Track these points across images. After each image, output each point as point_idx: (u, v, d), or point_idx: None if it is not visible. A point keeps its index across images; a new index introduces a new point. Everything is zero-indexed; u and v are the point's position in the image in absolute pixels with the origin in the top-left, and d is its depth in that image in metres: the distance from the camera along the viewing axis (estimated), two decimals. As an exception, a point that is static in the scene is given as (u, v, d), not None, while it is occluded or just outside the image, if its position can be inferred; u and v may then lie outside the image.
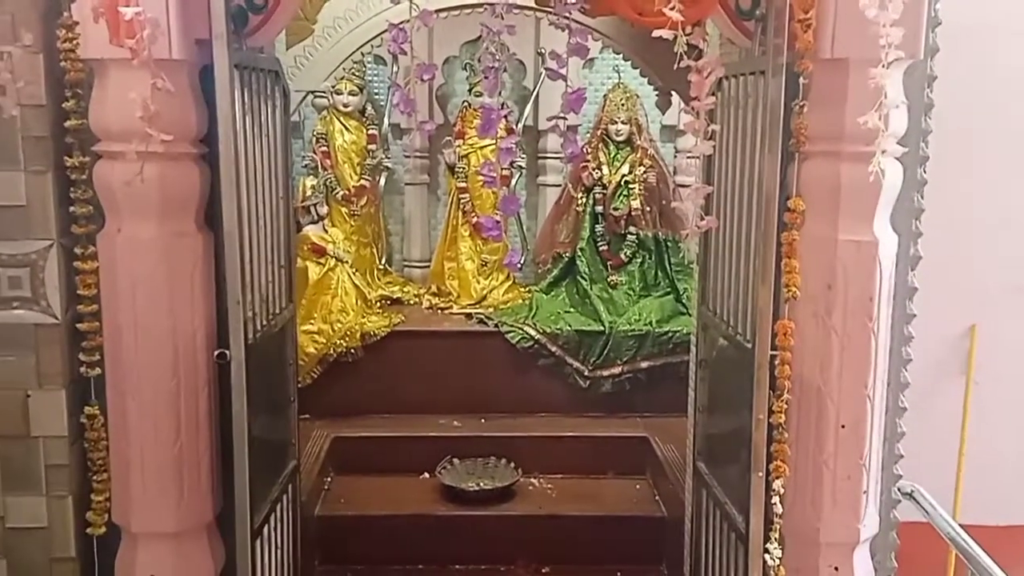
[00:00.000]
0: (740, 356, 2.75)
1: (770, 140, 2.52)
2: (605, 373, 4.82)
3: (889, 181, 2.52)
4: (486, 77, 2.35)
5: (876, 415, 2.64)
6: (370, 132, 5.37)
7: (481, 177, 4.78)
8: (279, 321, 3.14)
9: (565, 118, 2.33)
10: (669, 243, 5.24)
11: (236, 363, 2.65)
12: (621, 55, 4.28)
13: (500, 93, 5.28)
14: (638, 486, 4.50)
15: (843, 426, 2.61)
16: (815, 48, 2.44)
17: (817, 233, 2.58)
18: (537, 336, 4.83)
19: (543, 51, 5.28)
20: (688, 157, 5.47)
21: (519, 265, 2.78)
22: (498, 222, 2.40)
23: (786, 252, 2.57)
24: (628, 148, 5.27)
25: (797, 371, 2.61)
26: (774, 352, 2.60)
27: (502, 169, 5.08)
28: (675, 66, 2.27)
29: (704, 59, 2.34)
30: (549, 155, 5.60)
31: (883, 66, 2.18)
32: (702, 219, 2.48)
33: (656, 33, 2.23)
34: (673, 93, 4.26)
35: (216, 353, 2.70)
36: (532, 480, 4.49)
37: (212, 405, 2.76)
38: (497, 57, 2.28)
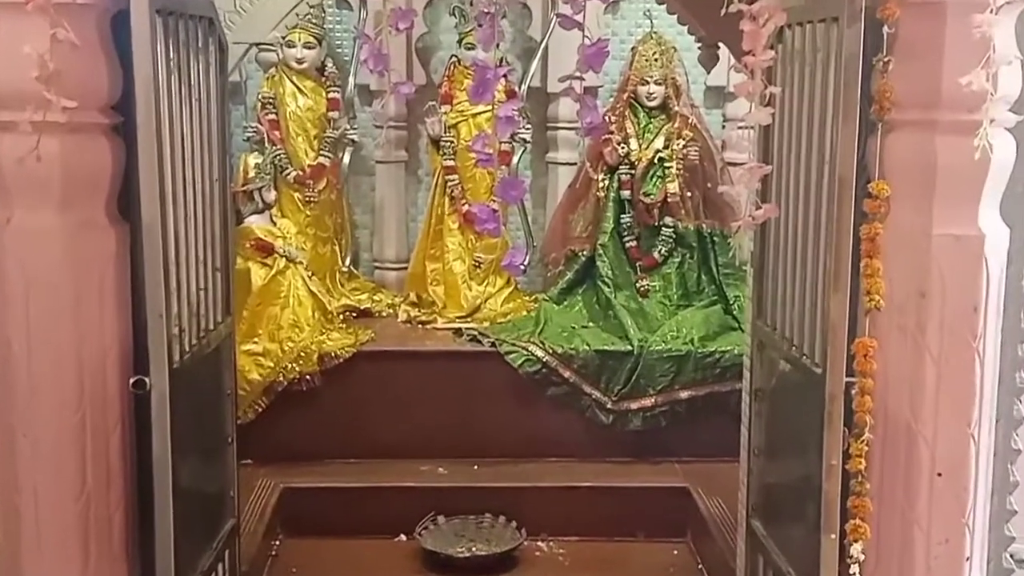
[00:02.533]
0: (807, 384, 2.75)
1: (845, 106, 2.52)
2: (634, 406, 4.82)
3: (998, 159, 2.52)
4: (480, 25, 2.36)
5: (982, 460, 2.64)
6: (331, 96, 5.38)
7: (473, 154, 4.78)
8: (213, 339, 3.14)
9: (582, 78, 2.34)
10: (716, 238, 5.25)
11: (158, 393, 2.66)
12: (654, -3, 4.31)
13: (498, 46, 5.24)
14: (676, 551, 4.50)
15: (939, 474, 2.61)
16: (903, -13, 2.45)
17: (906, 226, 2.58)
18: (546, 358, 4.83)
19: (553, -9, 5.29)
20: (739, 127, 5.47)
21: (522, 267, 2.77)
22: (495, 212, 2.41)
23: (866, 250, 2.57)
24: (663, 116, 5.29)
25: (880, 403, 2.61)
26: (851, 379, 2.60)
27: (500, 143, 5.17)
28: (723, 11, 2.28)
29: (761, 2, 2.35)
30: (562, 125, 5.61)
31: (991, 11, 2.19)
32: (757, 208, 2.49)
33: (698, -30, 2.24)
34: (721, 46, 4.26)
35: (132, 381, 2.70)
36: (539, 544, 4.50)
37: (127, 447, 2.76)
38: (495, 0, 2.29)
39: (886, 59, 2.51)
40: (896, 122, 2.57)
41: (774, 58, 2.53)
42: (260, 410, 4.72)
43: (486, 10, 2.27)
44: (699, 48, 4.77)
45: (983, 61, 2.21)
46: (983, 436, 2.64)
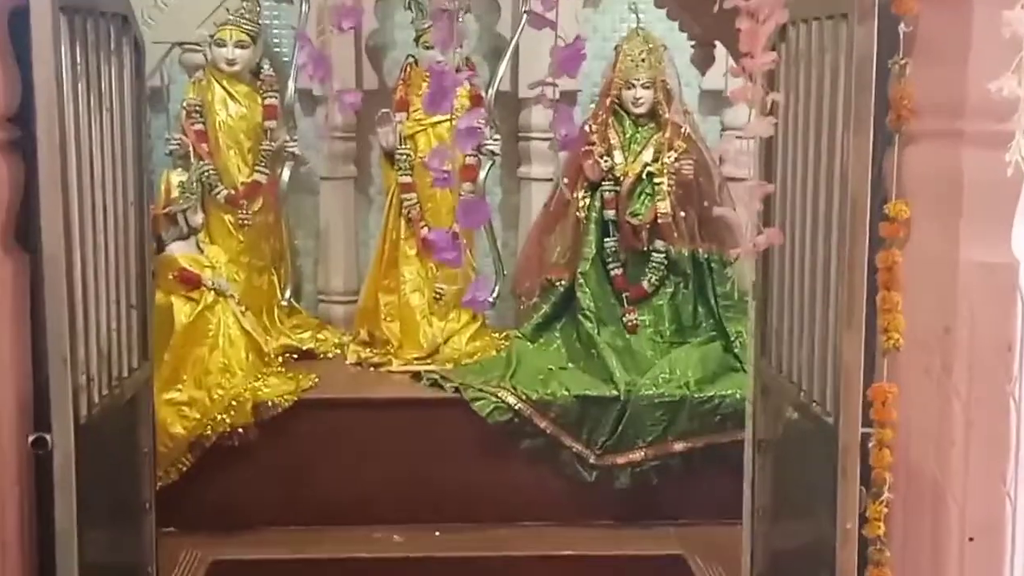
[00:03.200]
0: (817, 435, 2.76)
1: (857, 116, 2.54)
2: (620, 460, 4.82)
3: (1033, 175, 2.56)
4: (437, 23, 2.36)
5: (1019, 521, 2.64)
6: (267, 102, 5.36)
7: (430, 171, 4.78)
8: (128, 388, 3.13)
9: (556, 84, 2.35)
10: (713, 264, 5.26)
11: (62, 453, 2.64)
12: (640, -11, 4.34)
13: (461, 46, 5.29)
14: (671, 630, 4.50)
15: (971, 539, 2.61)
16: (922, -20, 2.48)
17: (929, 252, 2.60)
18: (519, 406, 4.82)
19: (524, -19, 5.33)
20: (737, 137, 5.50)
21: (488, 302, 2.77)
22: (456, 238, 2.40)
23: (883, 281, 2.59)
24: (652, 125, 5.31)
25: (902, 457, 2.62)
26: (867, 430, 2.60)
27: (465, 157, 5.18)
28: (715, 7, 2.29)
29: (759, -3, 2.37)
30: (535, 135, 5.62)
31: (1023, 6, 2.22)
32: (760, 232, 2.50)
33: (686, -40, 2.26)
34: (717, 44, 4.31)
35: (32, 439, 2.69)
36: (512, 623, 4.49)
37: (26, 515, 2.74)
38: (452, -5, 2.29)
39: (903, 61, 2.54)
40: (916, 133, 2.59)
41: (776, 60, 2.55)
42: (185, 469, 4.66)
43: (443, 7, 2.27)
44: (692, 47, 4.81)
45: (1015, 64, 2.23)
46: (1021, 494, 2.64)
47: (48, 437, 2.65)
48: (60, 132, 2.60)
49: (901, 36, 2.53)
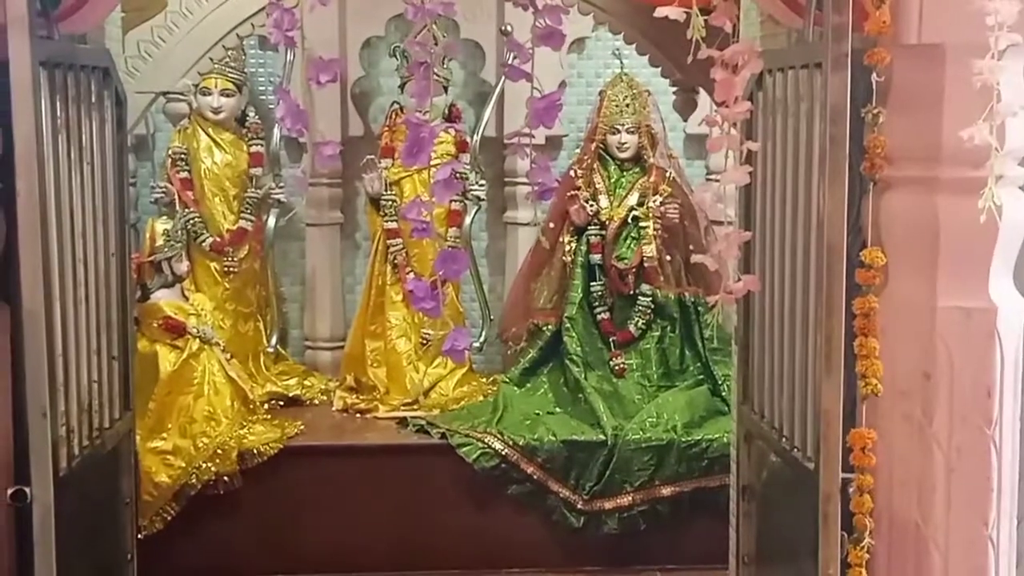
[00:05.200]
0: (799, 481, 2.76)
1: (832, 164, 2.57)
2: (608, 505, 4.81)
3: (1009, 220, 2.58)
4: (415, 75, 2.37)
5: (1002, 567, 2.65)
6: (252, 150, 5.40)
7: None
8: (110, 439, 3.12)
9: (532, 135, 2.37)
10: (700, 308, 5.27)
11: (41, 506, 2.63)
12: (622, 36, 4.37)
13: (446, 90, 5.34)
14: (660, 677, 4.49)
15: (954, 584, 2.62)
16: (894, 30, 2.51)
17: (906, 298, 2.62)
18: (505, 451, 4.81)
19: (508, 29, 5.36)
20: (708, 178, 5.51)
21: (467, 350, 2.77)
22: (435, 288, 2.40)
23: (860, 327, 2.61)
24: (637, 169, 5.34)
25: (883, 503, 2.63)
26: (847, 475, 2.61)
27: (451, 203, 5.19)
28: (689, 58, 2.32)
29: (734, 47, 2.39)
30: (520, 180, 5.63)
31: (992, 56, 2.25)
32: (737, 279, 2.51)
33: (660, 12, 2.29)
34: (699, 90, 4.33)
35: (11, 492, 2.68)
36: (500, 672, 4.48)
37: (6, 569, 2.72)
38: (430, 48, 2.31)
39: (876, 110, 2.56)
40: (892, 180, 2.62)
41: (751, 110, 2.58)
42: (169, 518, 4.64)
43: (420, 60, 2.28)
44: (675, 93, 4.85)
45: (986, 112, 2.26)
46: (1003, 539, 2.65)
47: (28, 490, 2.65)
48: (40, 185, 2.61)
49: (875, 85, 2.56)
